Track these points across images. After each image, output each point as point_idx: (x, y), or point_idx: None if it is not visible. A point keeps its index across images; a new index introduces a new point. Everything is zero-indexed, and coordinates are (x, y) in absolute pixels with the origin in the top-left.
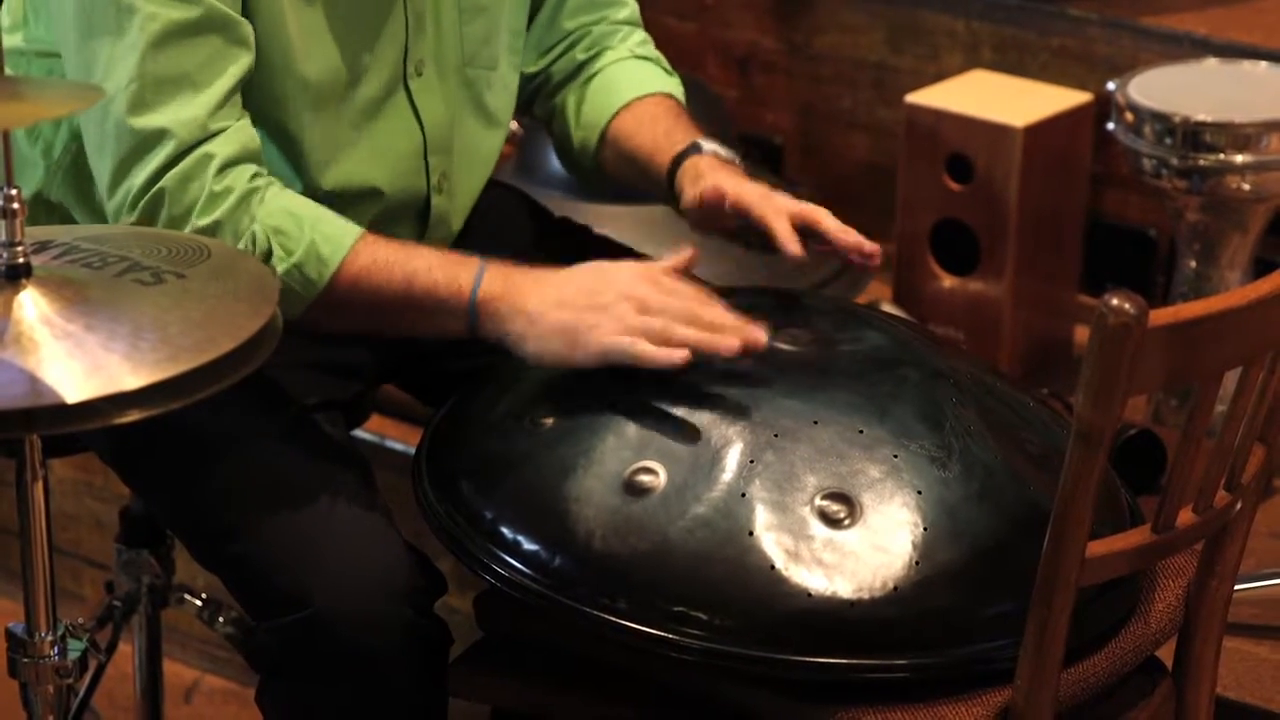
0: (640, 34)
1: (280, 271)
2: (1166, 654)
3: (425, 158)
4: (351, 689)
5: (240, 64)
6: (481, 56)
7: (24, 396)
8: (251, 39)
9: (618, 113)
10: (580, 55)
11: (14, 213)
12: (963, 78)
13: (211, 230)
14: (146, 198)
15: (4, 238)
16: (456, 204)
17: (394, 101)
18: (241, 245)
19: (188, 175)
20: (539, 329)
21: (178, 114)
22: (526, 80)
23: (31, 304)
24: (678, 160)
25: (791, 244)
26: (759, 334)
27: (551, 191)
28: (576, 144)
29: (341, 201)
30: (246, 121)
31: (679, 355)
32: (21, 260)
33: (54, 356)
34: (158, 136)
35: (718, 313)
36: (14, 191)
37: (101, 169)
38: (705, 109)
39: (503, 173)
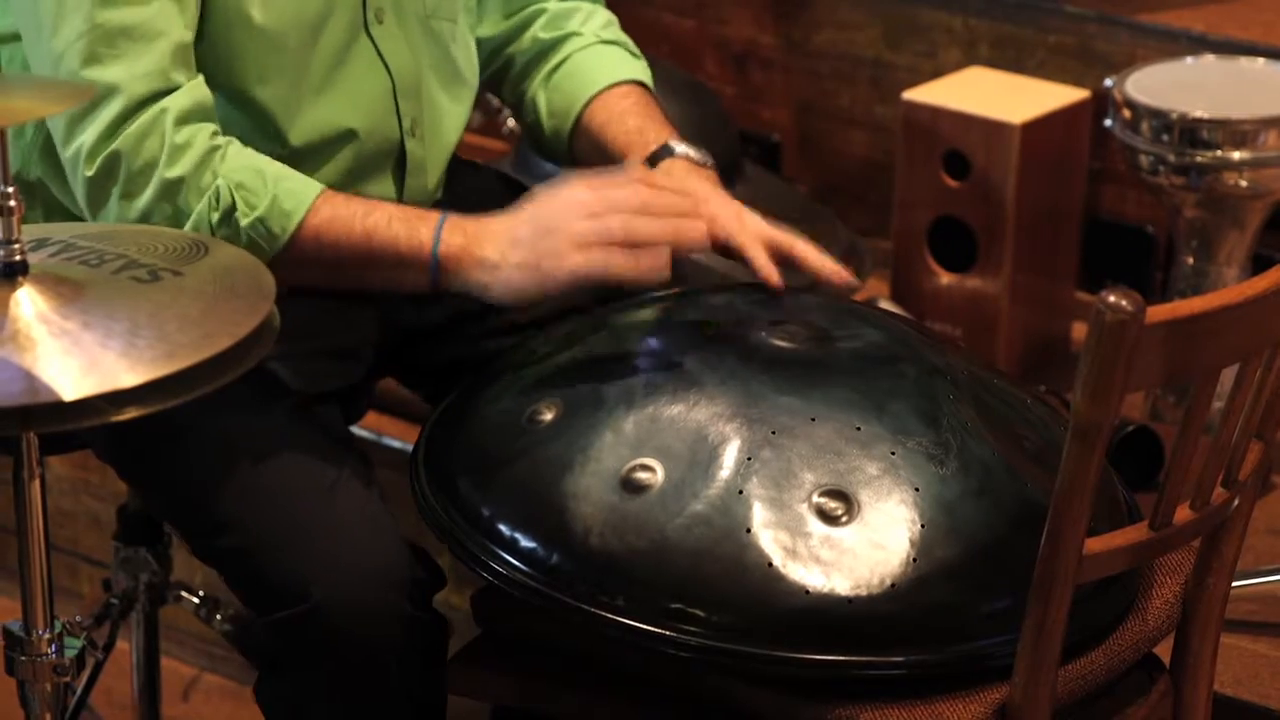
0: (604, 14)
1: (244, 225)
2: (1164, 651)
3: (396, 102)
4: (350, 682)
5: (190, 17)
6: (444, 8)
7: (21, 394)
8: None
9: (588, 103)
10: (542, 35)
11: (11, 210)
12: (960, 74)
13: (174, 186)
14: (103, 156)
15: (0, 235)
16: (431, 152)
17: (358, 48)
18: (204, 201)
19: (144, 132)
20: (502, 274)
21: (131, 68)
22: (488, 48)
23: (28, 301)
24: (650, 162)
25: (771, 275)
26: (708, 212)
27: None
28: (549, 134)
29: (316, 148)
30: (200, 80)
31: (654, 265)
32: (18, 258)
33: (51, 354)
34: (109, 91)
35: (665, 196)
36: (10, 189)
37: (56, 126)
38: (703, 106)
39: (501, 169)
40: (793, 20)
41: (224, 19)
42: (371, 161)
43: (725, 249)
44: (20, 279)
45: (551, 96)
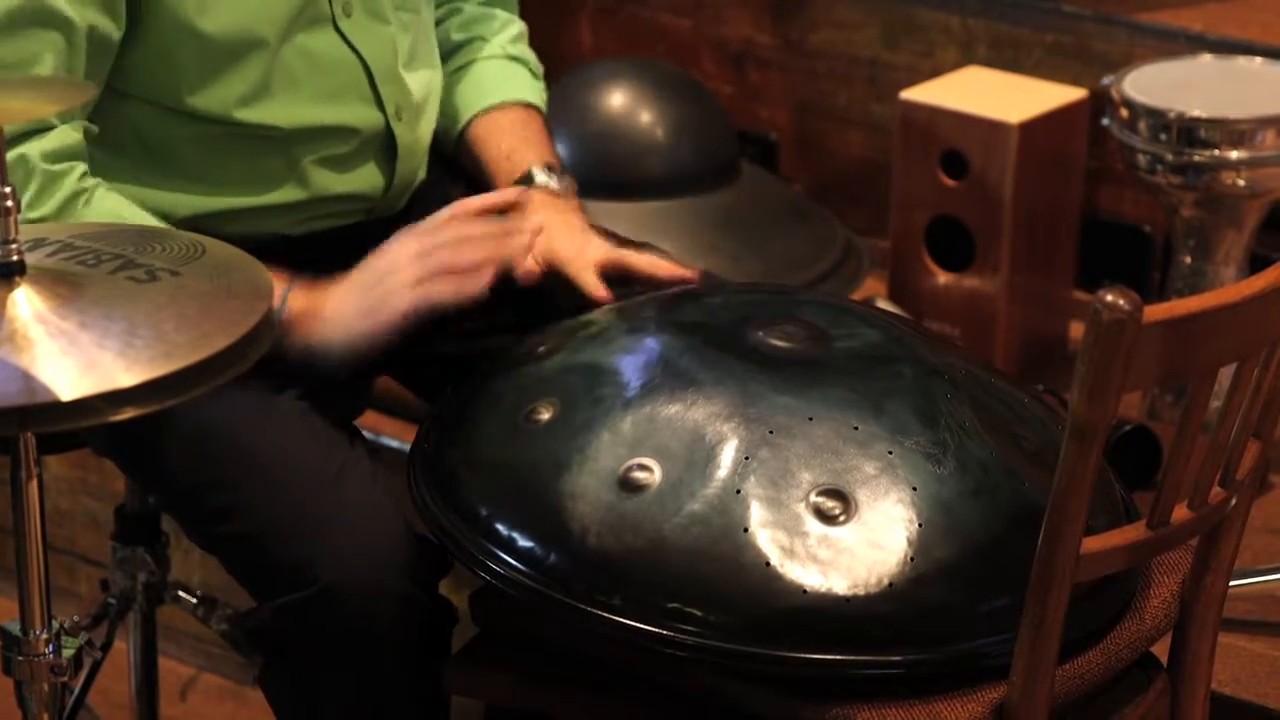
0: (517, 26)
1: None
2: (1162, 650)
3: (375, 90)
4: (356, 665)
5: (82, 63)
6: (409, 1)
7: (18, 394)
8: (102, 40)
9: (477, 115)
10: (455, 35)
11: (8, 210)
12: (958, 74)
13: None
14: None
15: None
16: (419, 132)
17: (326, 43)
18: None
19: (9, 170)
20: (340, 323)
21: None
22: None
23: (25, 302)
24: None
25: (598, 292)
26: (524, 229)
27: None
28: (439, 129)
29: (302, 140)
30: (78, 127)
31: (477, 282)
32: (15, 258)
33: (48, 354)
34: None
35: (486, 226)
36: (7, 189)
37: None
38: (700, 105)
39: None
40: (790, 20)
41: (168, 32)
42: (360, 150)
43: (562, 277)
44: (17, 279)
45: (446, 97)
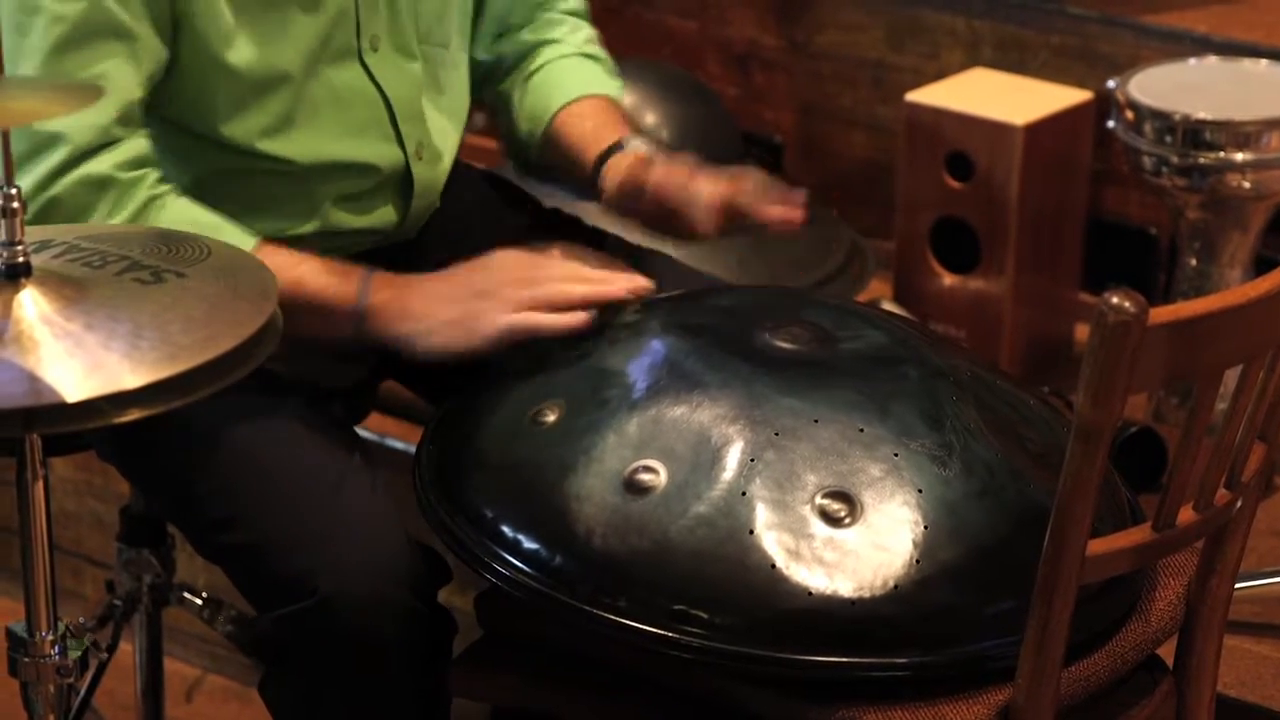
0: (588, 30)
1: None
2: (1167, 652)
3: (396, 127)
4: (357, 676)
5: (143, 74)
6: (436, 34)
7: (24, 396)
8: (155, 51)
9: (559, 110)
10: (528, 36)
11: (14, 212)
12: (963, 76)
13: None
14: (41, 201)
15: (4, 237)
16: (438, 170)
17: (351, 78)
18: None
19: (84, 180)
20: (427, 326)
21: (78, 119)
22: (478, 66)
23: (31, 303)
24: (603, 157)
25: (707, 226)
26: (643, 280)
27: (551, 190)
28: (522, 135)
29: (320, 176)
30: (143, 134)
31: (577, 318)
32: (21, 259)
33: (54, 356)
34: (52, 140)
35: (599, 272)
36: (14, 190)
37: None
38: (705, 107)
39: (502, 171)
40: (795, 21)
41: (199, 61)
42: (377, 188)
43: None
44: (24, 280)
45: (527, 100)
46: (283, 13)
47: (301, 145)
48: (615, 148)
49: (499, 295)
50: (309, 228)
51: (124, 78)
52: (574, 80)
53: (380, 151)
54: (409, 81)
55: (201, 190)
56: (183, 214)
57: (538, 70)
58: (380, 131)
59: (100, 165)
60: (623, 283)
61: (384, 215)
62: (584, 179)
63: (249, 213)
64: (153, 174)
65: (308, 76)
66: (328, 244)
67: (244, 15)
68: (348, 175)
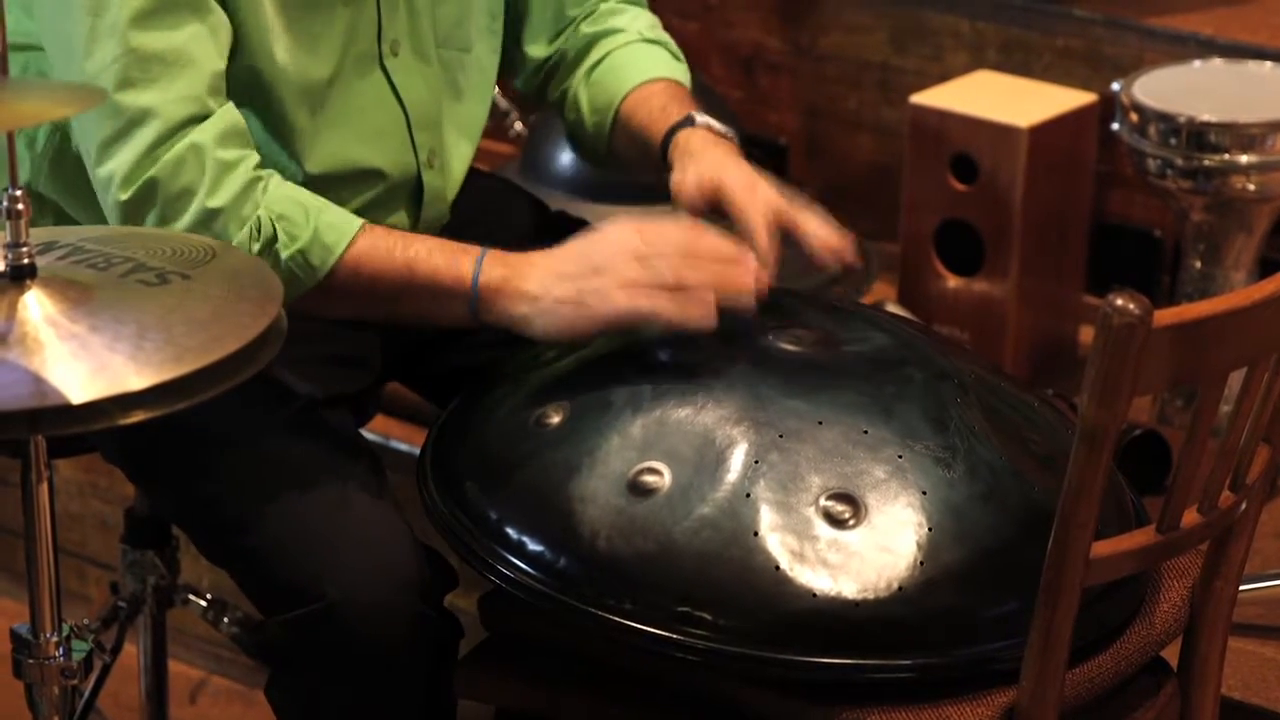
0: (649, 16)
1: (284, 257)
2: (1171, 654)
3: (411, 135)
4: (363, 680)
5: (222, 46)
6: (455, 38)
7: (29, 397)
8: (228, 26)
9: (626, 96)
10: (586, 29)
11: (19, 214)
12: (967, 78)
13: (214, 214)
14: (140, 181)
15: (9, 239)
16: (449, 180)
17: (371, 83)
18: (244, 231)
19: (182, 158)
20: (543, 306)
21: (165, 92)
22: (540, 64)
23: (36, 305)
24: (671, 132)
25: (766, 258)
26: (759, 267)
27: (555, 191)
28: (590, 129)
29: (332, 183)
30: (232, 106)
31: (705, 315)
32: (26, 261)
33: (59, 357)
34: (143, 115)
35: (711, 241)
36: (19, 193)
37: (88, 148)
38: (709, 109)
39: (506, 172)
40: (800, 24)
41: (248, 53)
42: (389, 195)
43: (726, 216)
44: (28, 282)
45: (592, 92)
46: (315, 15)
47: (315, 150)
48: (684, 123)
49: (613, 272)
50: None
51: (206, 48)
52: (638, 67)
53: (392, 158)
54: (425, 88)
55: None
56: (287, 195)
57: (600, 61)
58: (395, 138)
59: (201, 136)
60: (747, 278)
61: (394, 222)
62: (652, 159)
63: None
64: (252, 156)
65: (329, 85)
66: None
67: (283, 16)
68: (358, 181)
